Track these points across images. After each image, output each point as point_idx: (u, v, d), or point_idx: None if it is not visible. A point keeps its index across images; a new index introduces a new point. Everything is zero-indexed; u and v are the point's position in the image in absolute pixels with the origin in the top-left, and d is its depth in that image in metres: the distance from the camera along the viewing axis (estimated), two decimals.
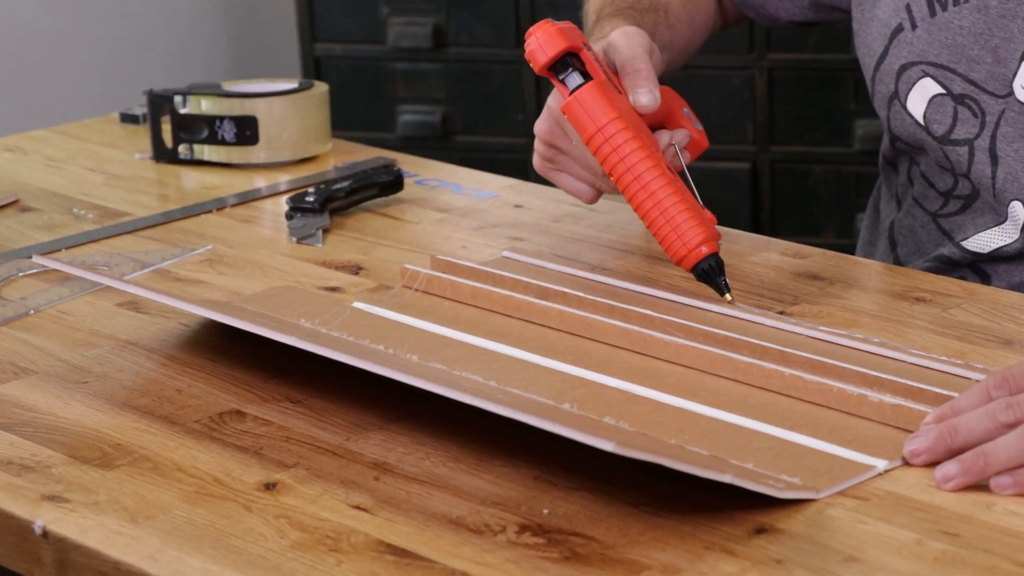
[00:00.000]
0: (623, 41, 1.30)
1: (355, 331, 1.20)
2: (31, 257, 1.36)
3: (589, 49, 1.28)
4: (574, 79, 1.26)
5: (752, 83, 2.67)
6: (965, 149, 1.36)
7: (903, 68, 1.37)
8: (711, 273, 1.24)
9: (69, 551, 0.96)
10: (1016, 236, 1.34)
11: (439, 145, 2.82)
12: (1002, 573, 0.89)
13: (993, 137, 1.34)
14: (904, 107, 1.38)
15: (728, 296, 1.24)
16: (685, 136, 1.32)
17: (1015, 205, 1.34)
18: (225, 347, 1.20)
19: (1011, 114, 1.33)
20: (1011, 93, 1.33)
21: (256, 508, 0.98)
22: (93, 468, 1.04)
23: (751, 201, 2.73)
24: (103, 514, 0.98)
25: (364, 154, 1.63)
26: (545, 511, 0.97)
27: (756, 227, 2.71)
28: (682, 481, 0.98)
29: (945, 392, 1.05)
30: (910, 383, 1.07)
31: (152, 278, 1.35)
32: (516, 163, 2.80)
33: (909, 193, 1.45)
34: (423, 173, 1.58)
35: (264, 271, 1.35)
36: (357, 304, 1.26)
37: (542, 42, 1.26)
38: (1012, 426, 0.98)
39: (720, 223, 1.38)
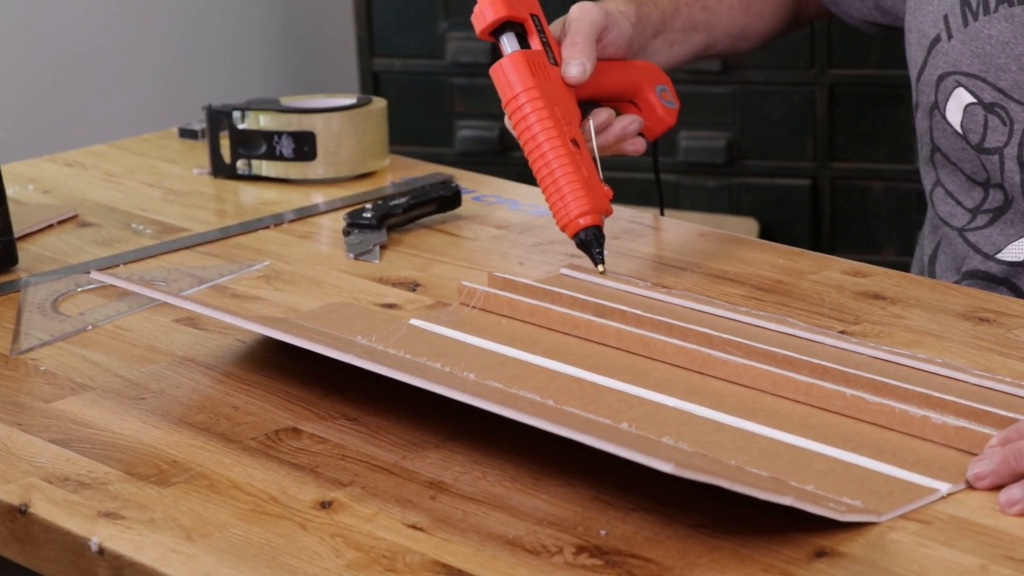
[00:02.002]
0: (575, 14, 1.36)
1: (412, 348, 1.19)
2: (89, 272, 1.36)
3: (538, 20, 1.34)
4: (509, 45, 1.34)
5: (812, 99, 2.65)
6: (996, 157, 1.36)
7: (941, 78, 1.38)
8: (588, 243, 1.30)
9: (125, 568, 0.96)
10: None
11: (496, 160, 2.82)
12: None
13: (1020, 145, 1.34)
14: (944, 117, 1.38)
15: (601, 268, 1.30)
16: (631, 121, 1.36)
17: None
18: (281, 364, 1.20)
19: None
20: None
21: (312, 527, 0.98)
22: (149, 485, 1.04)
23: (811, 218, 2.71)
24: (159, 531, 0.98)
25: (422, 170, 1.63)
26: (602, 532, 0.96)
27: (816, 244, 2.69)
28: (741, 503, 0.97)
29: (1010, 415, 1.04)
30: (974, 405, 1.05)
31: (209, 294, 1.34)
32: None
33: (931, 213, 1.44)
34: (480, 189, 1.57)
35: (321, 287, 1.35)
36: (414, 321, 1.26)
37: (484, 7, 1.34)
38: None
39: (779, 239, 1.37)
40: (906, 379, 1.10)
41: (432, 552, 0.95)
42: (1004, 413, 1.04)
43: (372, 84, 2.87)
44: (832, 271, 1.34)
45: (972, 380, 1.12)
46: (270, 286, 1.35)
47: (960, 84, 1.36)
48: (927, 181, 1.46)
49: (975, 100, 1.36)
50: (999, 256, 1.37)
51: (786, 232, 2.68)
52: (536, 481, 1.02)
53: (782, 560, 0.92)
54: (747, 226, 2.70)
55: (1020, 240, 1.37)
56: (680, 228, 1.45)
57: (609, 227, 1.46)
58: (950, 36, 1.36)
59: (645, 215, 1.49)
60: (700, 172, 2.75)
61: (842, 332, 1.21)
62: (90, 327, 1.28)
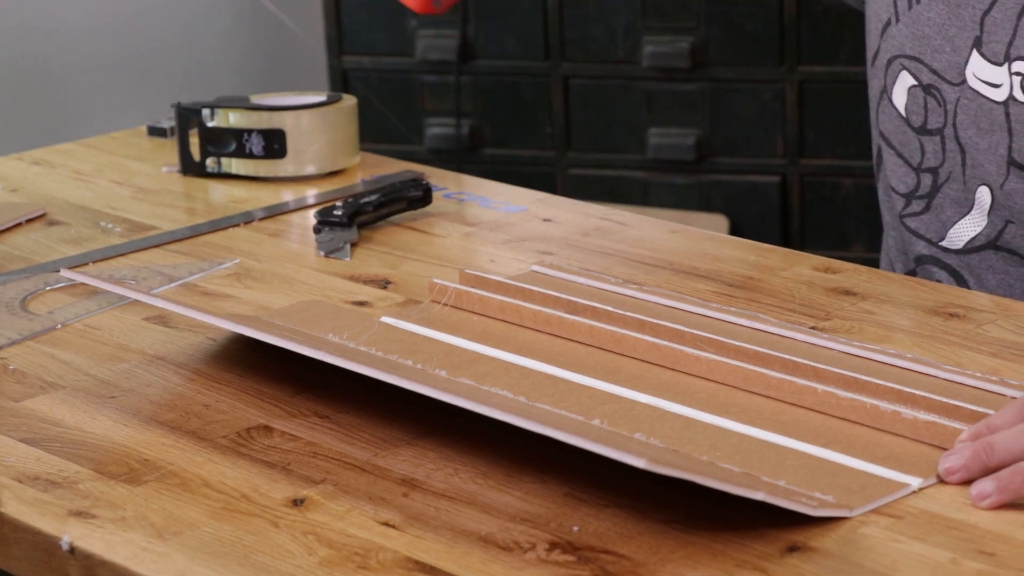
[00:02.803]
0: None
1: (383, 346, 1.19)
2: (59, 271, 1.36)
3: None
4: None
5: (782, 96, 2.66)
6: (938, 139, 1.38)
7: (889, 62, 1.40)
8: None
9: (96, 567, 0.96)
10: (984, 223, 1.35)
11: (466, 158, 2.82)
12: None
13: (955, 125, 1.36)
14: (891, 101, 1.41)
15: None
16: None
17: (982, 190, 1.35)
18: (253, 362, 1.20)
19: (965, 101, 1.35)
20: (964, 81, 1.35)
21: (284, 524, 0.98)
22: (120, 484, 1.03)
23: (781, 215, 2.71)
24: (130, 530, 0.98)
25: (392, 167, 1.63)
26: (575, 528, 0.96)
27: (785, 240, 2.70)
28: (714, 498, 0.97)
29: (980, 409, 1.04)
30: (945, 400, 1.06)
31: (180, 292, 1.34)
32: (544, 176, 2.80)
33: (886, 196, 1.46)
34: (451, 187, 1.57)
35: (292, 285, 1.34)
36: (385, 319, 1.26)
37: None
38: None
39: (749, 236, 1.38)
40: (877, 375, 1.11)
41: (405, 549, 0.94)
42: (974, 408, 1.05)
43: (342, 82, 2.87)
44: (803, 267, 1.35)
45: (942, 375, 1.12)
46: (240, 284, 1.35)
47: (904, 67, 1.38)
48: (879, 171, 1.47)
49: (916, 82, 1.38)
50: (943, 244, 1.39)
51: (756, 229, 2.69)
52: (508, 478, 1.02)
53: (754, 555, 0.92)
54: (717, 223, 2.71)
55: (956, 225, 1.38)
56: (651, 225, 1.45)
57: (581, 223, 1.46)
58: (898, 20, 1.38)
59: (617, 212, 1.49)
60: (670, 169, 2.75)
61: (813, 328, 1.22)
62: (59, 326, 1.28)
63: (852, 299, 1.27)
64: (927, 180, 1.40)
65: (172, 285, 1.35)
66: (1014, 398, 1.07)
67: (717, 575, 0.90)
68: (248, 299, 1.32)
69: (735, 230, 2.69)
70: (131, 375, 1.18)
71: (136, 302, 1.31)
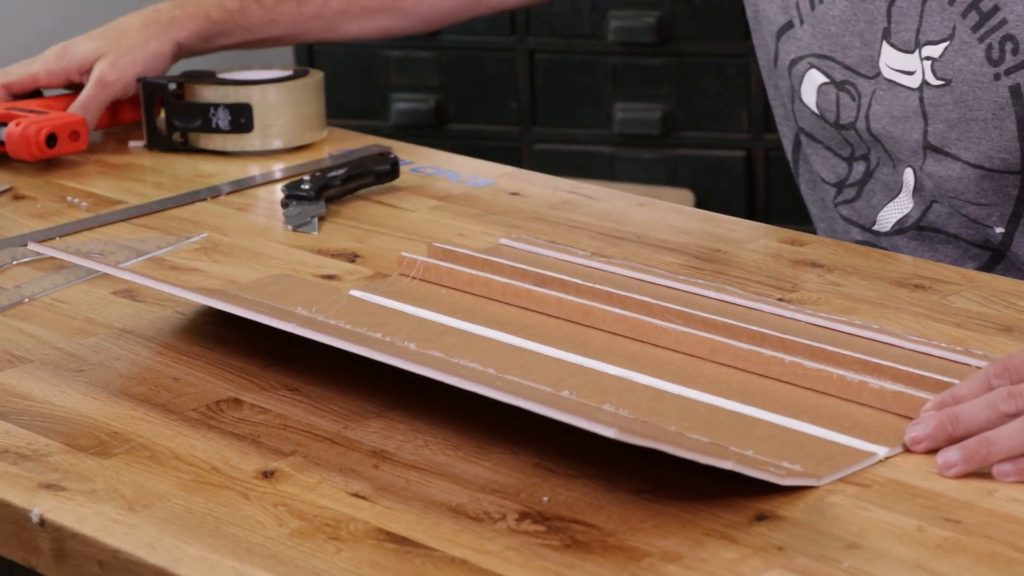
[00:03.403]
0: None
1: (352, 319, 1.19)
2: (26, 245, 1.36)
3: None
4: None
5: (747, 71, 2.66)
6: (852, 132, 1.40)
7: (793, 63, 1.41)
8: None
9: (67, 539, 0.96)
10: (911, 205, 1.37)
11: (432, 133, 2.81)
12: (1003, 560, 0.88)
13: (867, 118, 1.37)
14: (801, 100, 1.42)
15: None
16: None
17: (907, 172, 1.38)
18: (222, 335, 1.20)
19: (881, 93, 1.36)
20: (879, 73, 1.36)
21: (254, 496, 0.98)
22: (90, 456, 1.03)
23: (746, 189, 2.72)
24: (100, 502, 0.98)
25: (359, 142, 1.63)
26: (545, 498, 0.96)
27: (751, 215, 2.71)
28: (683, 468, 0.98)
29: (945, 379, 1.05)
30: (910, 370, 1.06)
31: (147, 266, 1.34)
32: (510, 151, 2.80)
33: (809, 190, 1.48)
34: (419, 161, 1.57)
35: (259, 259, 1.34)
36: (354, 292, 1.26)
37: None
38: (1013, 416, 0.97)
39: (715, 210, 1.39)
40: (843, 345, 1.11)
41: (375, 520, 0.95)
42: (940, 377, 1.05)
43: (307, 56, 2.86)
44: (769, 240, 1.35)
45: (908, 346, 1.13)
46: (208, 258, 1.35)
47: (812, 66, 1.39)
48: (802, 165, 1.48)
49: (827, 80, 1.39)
50: (875, 228, 1.41)
51: (721, 203, 2.69)
52: (478, 449, 1.02)
53: (723, 524, 0.93)
54: (683, 197, 2.72)
55: (884, 208, 1.39)
56: (618, 199, 1.46)
57: (549, 197, 1.46)
58: (801, 22, 1.39)
59: (584, 186, 1.49)
60: (635, 144, 2.76)
61: (780, 300, 1.22)
62: (27, 300, 1.28)
63: (818, 271, 1.28)
64: (859, 168, 1.41)
65: (140, 259, 1.35)
66: (979, 368, 1.08)
67: (686, 544, 0.91)
68: (216, 273, 1.32)
69: (701, 204, 2.69)
70: (99, 349, 1.18)
71: (104, 276, 1.30)
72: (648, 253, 1.32)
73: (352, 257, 1.34)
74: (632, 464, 0.99)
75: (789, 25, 1.40)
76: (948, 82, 1.32)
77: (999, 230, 1.33)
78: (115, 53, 1.60)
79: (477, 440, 1.03)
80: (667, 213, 1.42)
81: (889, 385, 1.05)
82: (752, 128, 2.69)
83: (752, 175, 2.71)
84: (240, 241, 1.38)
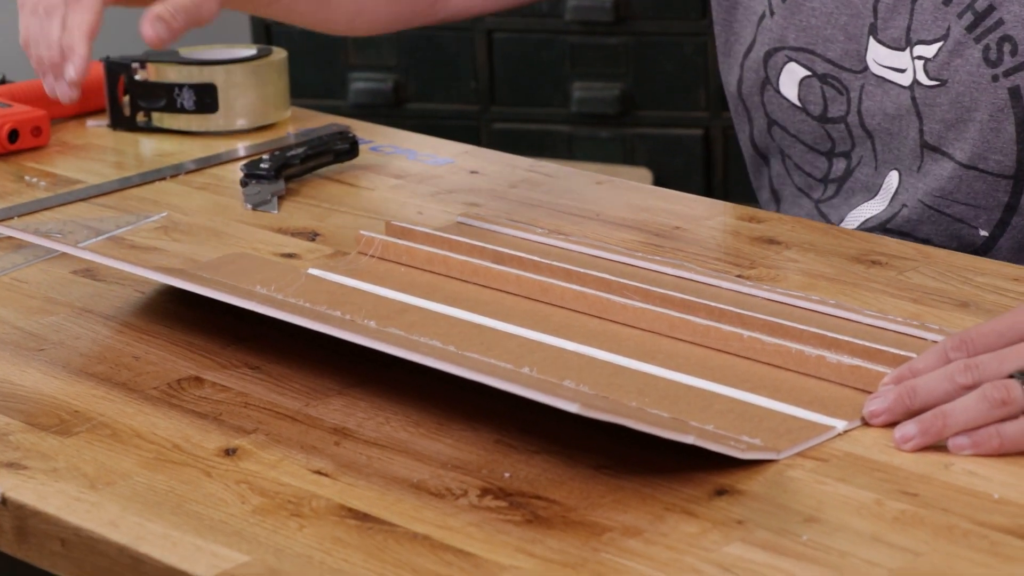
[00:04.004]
0: None
1: (311, 297, 1.19)
2: None
3: None
4: None
5: (704, 49, 2.67)
6: (843, 126, 1.38)
7: (768, 54, 1.40)
8: None
9: (29, 518, 0.96)
10: (884, 207, 1.37)
11: (391, 113, 2.81)
12: (960, 532, 0.89)
13: (859, 112, 1.36)
14: (778, 92, 1.40)
15: None
16: None
17: (892, 175, 1.36)
18: (182, 314, 1.20)
19: (869, 88, 1.35)
20: (867, 68, 1.35)
21: (216, 474, 0.98)
22: (51, 435, 1.03)
23: (704, 167, 2.73)
24: (62, 481, 0.98)
25: (321, 121, 1.63)
26: (506, 475, 0.97)
27: (709, 193, 2.72)
28: (643, 444, 0.98)
29: (902, 353, 1.06)
30: (868, 344, 1.07)
31: (107, 245, 1.34)
32: (469, 131, 2.80)
33: (789, 184, 1.45)
34: (378, 139, 1.57)
35: (219, 238, 1.34)
36: (313, 271, 1.26)
37: None
38: (970, 388, 0.98)
39: (673, 188, 1.39)
40: (801, 320, 1.12)
41: (337, 497, 0.95)
42: (896, 351, 1.06)
43: (264, 35, 2.86)
44: (727, 217, 1.36)
45: (865, 320, 1.14)
46: (168, 237, 1.35)
47: (791, 59, 1.38)
48: (773, 155, 1.46)
49: (809, 73, 1.38)
50: (842, 226, 1.39)
51: (680, 182, 2.71)
52: (439, 426, 1.03)
53: (683, 499, 0.94)
54: (641, 176, 2.72)
55: (859, 208, 1.39)
56: (578, 177, 1.46)
57: (508, 175, 1.47)
58: (772, 12, 1.38)
59: (543, 164, 1.50)
60: (593, 123, 2.76)
61: (739, 276, 1.23)
62: None
63: (776, 248, 1.29)
64: (840, 164, 1.40)
65: (99, 239, 1.35)
66: (935, 342, 1.09)
67: (646, 519, 0.92)
68: (175, 251, 1.32)
69: (659, 183, 2.70)
70: (60, 328, 1.18)
71: (63, 255, 1.30)
72: (607, 231, 1.33)
73: (312, 236, 1.34)
74: (592, 440, 1.00)
75: (764, 15, 1.39)
76: (943, 82, 1.31)
77: (983, 233, 1.33)
78: None
79: (438, 417, 1.04)
80: (625, 191, 1.43)
81: (847, 359, 1.06)
82: (710, 106, 2.70)
83: (710, 153, 2.72)
84: (200, 220, 1.38)
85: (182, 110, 1.59)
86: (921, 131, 1.33)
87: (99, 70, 1.62)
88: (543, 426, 1.02)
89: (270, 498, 0.95)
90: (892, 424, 0.99)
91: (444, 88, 2.82)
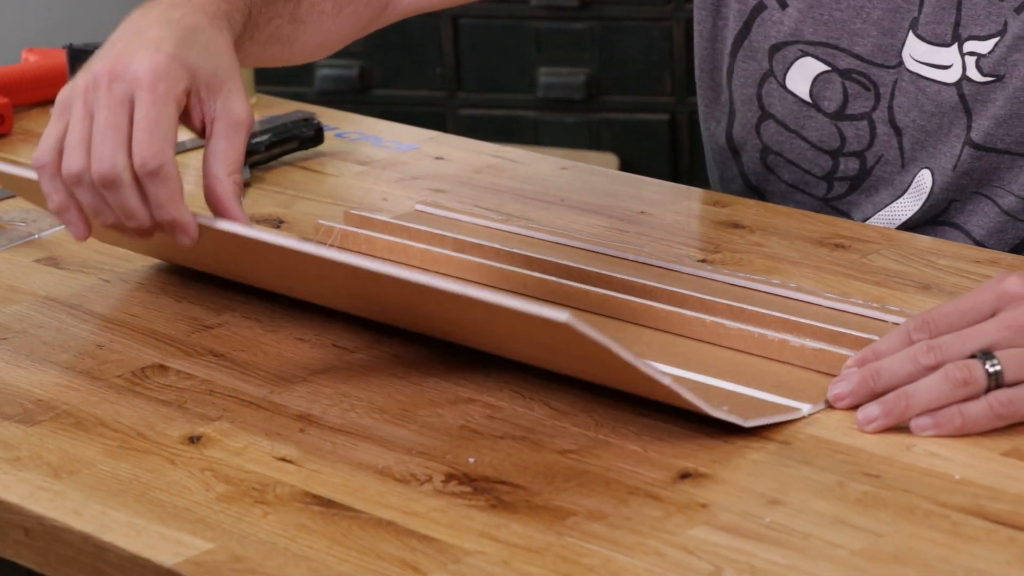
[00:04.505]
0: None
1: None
2: None
3: None
4: None
5: (670, 34, 2.67)
6: (865, 123, 1.35)
7: (776, 48, 1.36)
8: None
9: None
10: (919, 206, 1.35)
11: (357, 99, 2.81)
12: (921, 513, 0.90)
13: (890, 108, 1.34)
14: (783, 86, 1.37)
15: None
16: None
17: (923, 174, 1.34)
18: (147, 302, 1.19)
19: (903, 84, 1.33)
20: (901, 63, 1.32)
21: (180, 461, 0.98)
22: (14, 424, 1.03)
23: (670, 152, 2.74)
24: (26, 470, 0.98)
25: (286, 108, 1.62)
26: (471, 460, 0.97)
27: (675, 178, 2.72)
28: (607, 429, 0.99)
29: (865, 335, 1.07)
30: (830, 327, 1.08)
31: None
32: (435, 117, 2.80)
33: (775, 180, 1.43)
34: (343, 126, 1.57)
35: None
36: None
37: None
38: (933, 368, 0.99)
39: (639, 173, 1.38)
40: (764, 304, 1.12)
41: (302, 483, 0.95)
42: (859, 334, 1.07)
43: None
44: (693, 202, 1.36)
45: (827, 304, 1.14)
46: None
47: (807, 53, 1.35)
48: (748, 151, 1.43)
49: (828, 68, 1.35)
50: (870, 223, 1.37)
51: (646, 167, 2.71)
52: (404, 412, 1.03)
53: (647, 482, 0.94)
54: (607, 161, 2.73)
55: (890, 207, 1.36)
56: (543, 162, 1.46)
57: (474, 161, 1.47)
58: (784, 5, 1.35)
59: (508, 150, 1.50)
60: (559, 108, 2.76)
61: (702, 261, 1.23)
62: None
63: (741, 232, 1.29)
64: (852, 164, 1.36)
65: (62, 228, 1.34)
66: (896, 324, 1.09)
67: (611, 503, 0.92)
68: None
69: (625, 168, 2.70)
70: (23, 317, 1.18)
71: (26, 244, 1.30)
72: (572, 216, 1.33)
73: (277, 222, 1.34)
74: (556, 426, 1.00)
75: (761, 7, 1.36)
76: (999, 78, 1.28)
77: None
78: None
79: (403, 403, 1.04)
80: (591, 176, 1.43)
81: (810, 343, 1.06)
82: (675, 92, 2.70)
83: (676, 138, 2.73)
84: None
85: None
86: (968, 128, 1.31)
87: (62, 58, 1.62)
88: (508, 412, 1.02)
89: (234, 485, 0.95)
90: (856, 406, 1.00)
91: (410, 74, 2.82)
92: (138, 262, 1.26)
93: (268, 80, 2.75)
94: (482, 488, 0.94)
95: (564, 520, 0.91)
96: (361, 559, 0.88)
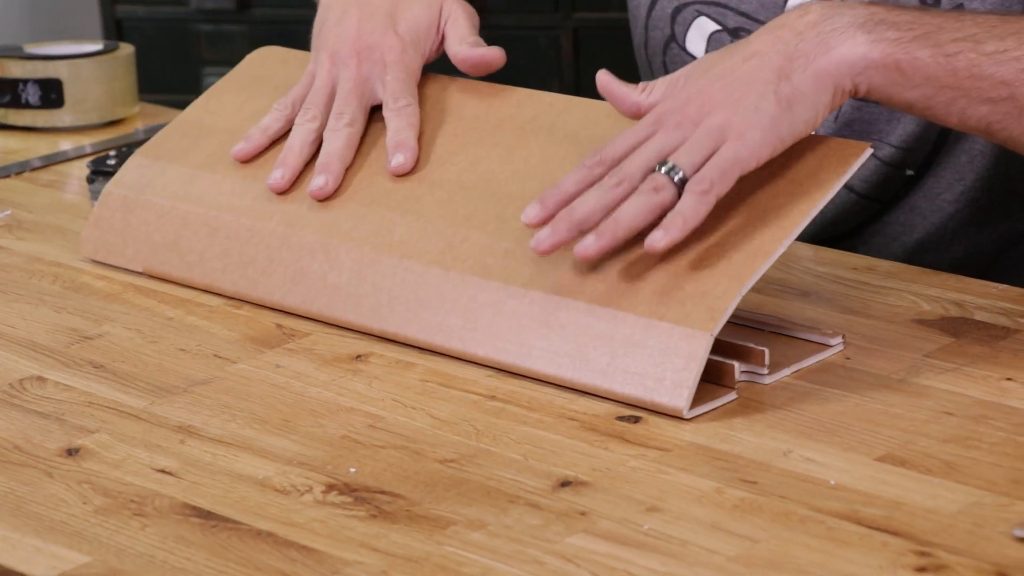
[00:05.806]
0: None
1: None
2: None
3: None
4: None
5: (558, 43, 2.69)
6: None
7: (677, 10, 1.40)
8: None
9: None
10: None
11: None
12: (797, 518, 0.91)
13: None
14: (684, 49, 1.41)
15: None
16: None
17: None
18: (25, 313, 1.18)
19: None
20: None
21: (58, 474, 0.97)
22: None
23: None
24: None
25: (171, 116, 1.61)
26: (352, 470, 0.97)
27: None
28: (488, 438, 0.99)
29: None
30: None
31: None
32: None
33: None
34: None
35: (65, 236, 1.33)
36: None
37: None
38: (623, 193, 1.04)
39: None
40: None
41: (182, 495, 0.95)
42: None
43: (116, 31, 2.82)
44: None
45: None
46: (12, 235, 1.33)
47: (701, 13, 1.39)
48: None
49: (719, 27, 1.38)
50: None
51: None
52: (285, 423, 1.03)
53: (527, 491, 0.94)
54: None
55: None
56: None
57: None
58: None
59: None
60: None
61: None
62: None
63: None
64: None
65: None
66: (774, 334, 1.10)
67: (491, 511, 0.92)
68: (19, 251, 1.30)
69: None
70: None
71: None
72: None
73: None
74: (438, 435, 1.00)
75: None
76: None
77: (909, 172, 1.34)
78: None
79: (284, 414, 1.04)
80: None
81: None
82: None
83: None
84: (45, 218, 1.37)
85: (27, 105, 1.57)
86: None
87: None
88: (389, 421, 1.02)
89: (112, 498, 0.95)
90: (559, 247, 1.04)
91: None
92: (16, 272, 1.25)
93: (155, 88, 2.73)
94: (362, 498, 0.94)
95: (444, 529, 0.91)
96: (240, 570, 0.88)
